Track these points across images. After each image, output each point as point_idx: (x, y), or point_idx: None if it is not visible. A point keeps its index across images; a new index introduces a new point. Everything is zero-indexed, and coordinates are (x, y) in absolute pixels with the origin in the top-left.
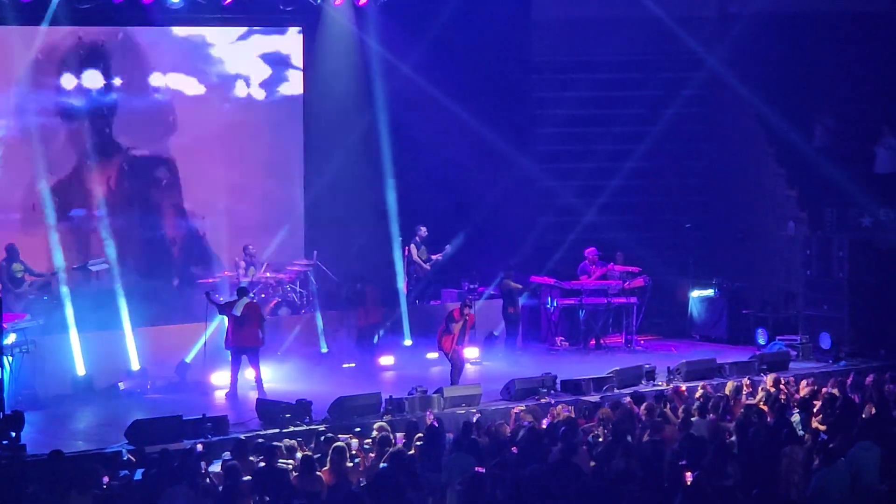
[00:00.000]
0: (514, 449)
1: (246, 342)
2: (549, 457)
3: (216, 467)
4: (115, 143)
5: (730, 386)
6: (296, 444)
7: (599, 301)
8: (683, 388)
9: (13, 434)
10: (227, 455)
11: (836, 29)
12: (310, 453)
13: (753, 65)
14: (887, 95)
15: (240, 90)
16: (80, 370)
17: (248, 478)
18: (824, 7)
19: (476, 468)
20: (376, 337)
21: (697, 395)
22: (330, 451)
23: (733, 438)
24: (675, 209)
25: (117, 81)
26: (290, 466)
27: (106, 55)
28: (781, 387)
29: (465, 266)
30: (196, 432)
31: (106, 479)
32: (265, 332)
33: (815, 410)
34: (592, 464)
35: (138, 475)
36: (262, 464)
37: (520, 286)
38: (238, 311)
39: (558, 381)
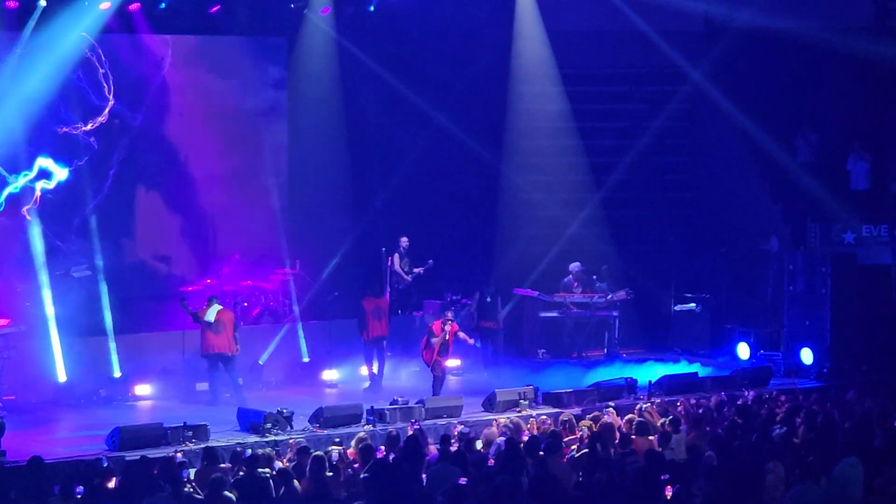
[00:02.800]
0: (490, 462)
1: (221, 349)
2: (530, 469)
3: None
4: (101, 151)
5: (714, 401)
6: (275, 453)
7: (582, 314)
8: (664, 401)
9: None
10: (203, 462)
11: (820, 44)
12: (287, 463)
13: (737, 79)
14: (869, 111)
15: (224, 98)
16: (62, 376)
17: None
18: (808, 22)
19: (459, 479)
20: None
21: (677, 409)
22: (309, 461)
23: (709, 453)
24: (659, 223)
25: (102, 90)
26: (269, 475)
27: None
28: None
29: (447, 277)
30: (177, 440)
31: (80, 489)
32: (239, 339)
33: (795, 426)
34: (573, 476)
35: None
36: (242, 473)
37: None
38: (211, 318)
39: (539, 393)
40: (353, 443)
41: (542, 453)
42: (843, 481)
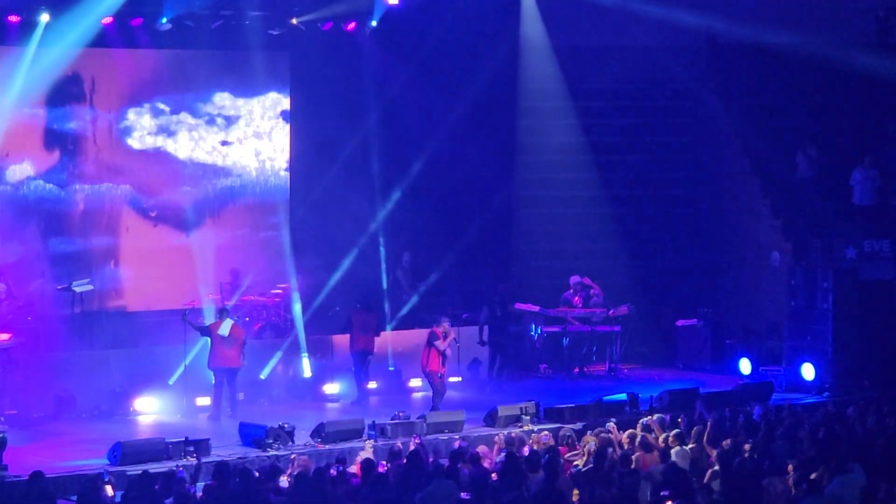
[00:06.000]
0: (493, 476)
1: (232, 363)
2: (532, 485)
3: (198, 490)
4: (102, 164)
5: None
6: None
7: (583, 329)
8: (666, 417)
9: None
10: (209, 478)
11: (822, 60)
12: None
13: (739, 95)
14: (870, 126)
15: (227, 113)
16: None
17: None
18: (810, 38)
19: (461, 495)
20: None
21: (678, 424)
22: (312, 475)
23: (717, 468)
24: (660, 238)
25: (99, 107)
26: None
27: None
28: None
29: (449, 292)
30: (179, 454)
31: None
32: (245, 354)
33: (797, 441)
34: (576, 492)
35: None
36: (239, 486)
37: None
38: (226, 332)
39: (541, 408)
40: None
41: (542, 469)
42: (841, 495)
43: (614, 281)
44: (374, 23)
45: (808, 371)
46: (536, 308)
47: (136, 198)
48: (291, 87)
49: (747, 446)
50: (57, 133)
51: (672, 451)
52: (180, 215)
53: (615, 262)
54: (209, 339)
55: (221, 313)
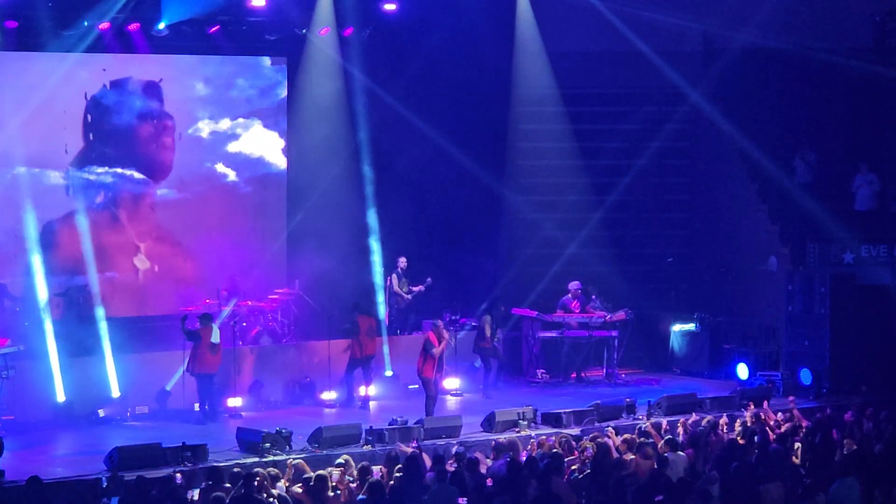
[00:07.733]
0: (489, 482)
1: (214, 368)
2: (529, 490)
3: (194, 495)
4: (100, 164)
5: (712, 421)
6: (279, 472)
7: (581, 334)
8: (664, 422)
9: None
10: (204, 483)
11: (819, 64)
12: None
13: (736, 100)
14: (868, 131)
15: (223, 117)
16: (61, 396)
17: None
18: (807, 42)
19: (459, 500)
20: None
21: (678, 429)
22: (312, 479)
23: (713, 472)
24: (658, 243)
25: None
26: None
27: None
28: (767, 420)
29: (446, 297)
30: (175, 460)
31: None
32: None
33: (794, 446)
34: (574, 498)
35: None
36: (241, 491)
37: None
38: (216, 339)
39: (539, 413)
40: (338, 467)
41: (542, 474)
42: (838, 501)
43: (612, 286)
44: (370, 29)
45: (805, 376)
46: (534, 313)
47: (134, 202)
48: (289, 91)
49: (744, 451)
50: (54, 136)
51: (668, 456)
52: (177, 220)
53: (612, 267)
54: (196, 344)
55: (206, 319)
